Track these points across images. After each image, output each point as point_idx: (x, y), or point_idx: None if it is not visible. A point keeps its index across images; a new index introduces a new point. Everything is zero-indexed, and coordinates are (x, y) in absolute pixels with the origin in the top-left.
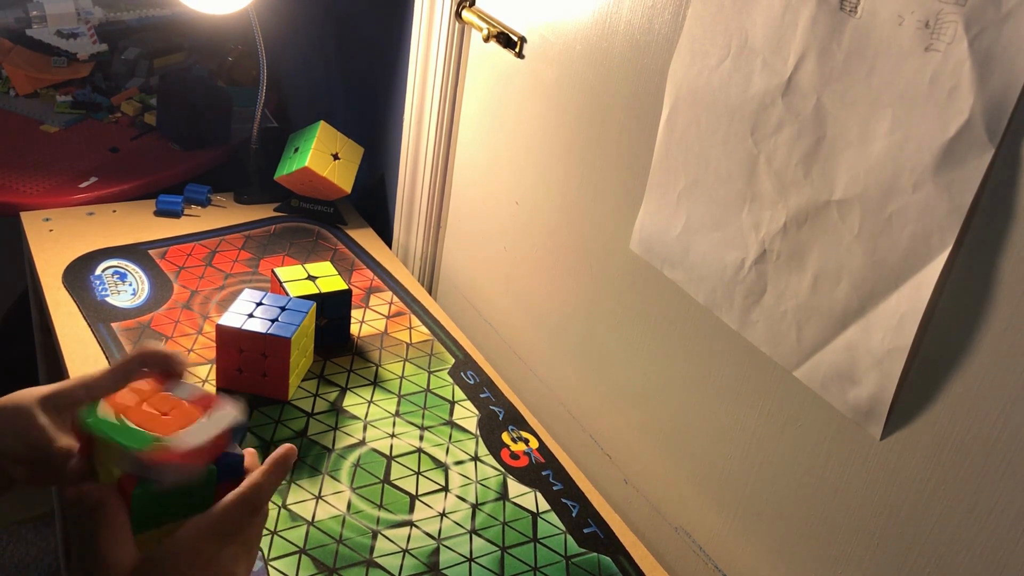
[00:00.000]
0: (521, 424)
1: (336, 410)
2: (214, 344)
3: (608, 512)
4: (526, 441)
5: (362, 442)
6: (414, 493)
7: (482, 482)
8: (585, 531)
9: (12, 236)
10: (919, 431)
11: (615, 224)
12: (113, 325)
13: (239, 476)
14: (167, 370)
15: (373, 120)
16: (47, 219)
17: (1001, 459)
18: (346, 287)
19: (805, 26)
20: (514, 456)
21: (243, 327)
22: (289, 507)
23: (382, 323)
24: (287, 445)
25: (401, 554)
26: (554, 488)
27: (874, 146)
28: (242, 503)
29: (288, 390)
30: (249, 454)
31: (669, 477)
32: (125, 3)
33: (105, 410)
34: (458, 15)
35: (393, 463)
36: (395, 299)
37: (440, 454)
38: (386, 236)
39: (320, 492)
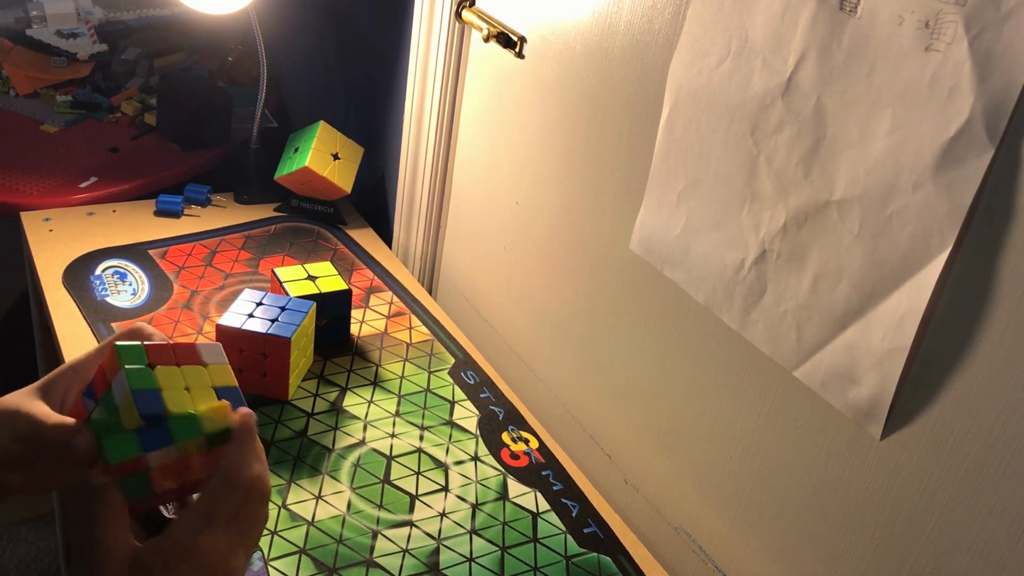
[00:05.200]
0: (521, 424)
1: (336, 410)
2: None
3: (608, 512)
4: (526, 441)
5: (362, 442)
6: (414, 493)
7: (482, 482)
8: (585, 531)
9: (12, 236)
10: (919, 431)
11: (615, 224)
12: (113, 325)
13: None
14: None
15: (373, 120)
16: (47, 219)
17: (1001, 459)
18: (346, 287)
19: (805, 26)
20: (514, 456)
21: (243, 327)
22: (289, 507)
23: (382, 323)
24: (242, 411)
25: (401, 554)
26: (554, 488)
27: (874, 146)
28: (223, 486)
29: (288, 390)
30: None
31: (669, 477)
32: (125, 3)
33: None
34: (458, 15)
35: (393, 463)
36: (395, 299)
37: (440, 454)
38: (386, 236)
39: (320, 492)
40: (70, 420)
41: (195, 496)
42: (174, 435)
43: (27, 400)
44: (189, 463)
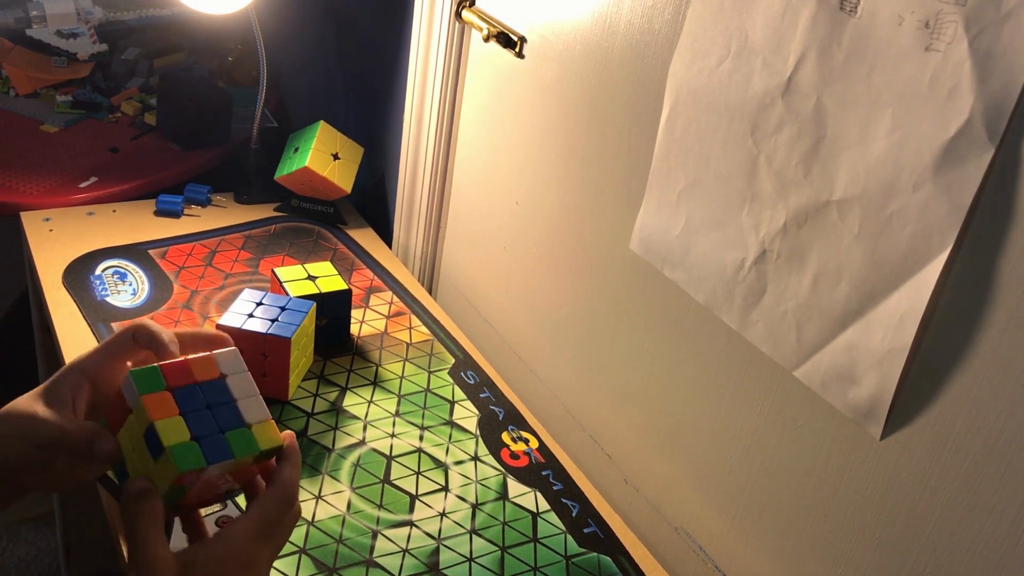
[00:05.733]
0: (521, 424)
1: (336, 410)
2: None
3: (608, 512)
4: (526, 441)
5: (362, 442)
6: (414, 493)
7: (482, 482)
8: (585, 531)
9: (12, 236)
10: (919, 431)
11: (615, 224)
12: (113, 325)
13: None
14: (156, 348)
15: (373, 120)
16: (47, 219)
17: (1001, 459)
18: (346, 287)
19: (805, 26)
20: (514, 456)
21: (243, 327)
22: None
23: (382, 323)
24: (287, 433)
25: (401, 554)
26: (554, 488)
27: (874, 146)
28: (281, 501)
29: (288, 390)
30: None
31: (669, 477)
32: (125, 3)
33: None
34: (458, 15)
35: (393, 463)
36: (395, 299)
37: (440, 454)
38: (386, 236)
39: (320, 492)
40: (88, 427)
41: (250, 506)
42: (234, 451)
43: (39, 406)
44: (226, 476)
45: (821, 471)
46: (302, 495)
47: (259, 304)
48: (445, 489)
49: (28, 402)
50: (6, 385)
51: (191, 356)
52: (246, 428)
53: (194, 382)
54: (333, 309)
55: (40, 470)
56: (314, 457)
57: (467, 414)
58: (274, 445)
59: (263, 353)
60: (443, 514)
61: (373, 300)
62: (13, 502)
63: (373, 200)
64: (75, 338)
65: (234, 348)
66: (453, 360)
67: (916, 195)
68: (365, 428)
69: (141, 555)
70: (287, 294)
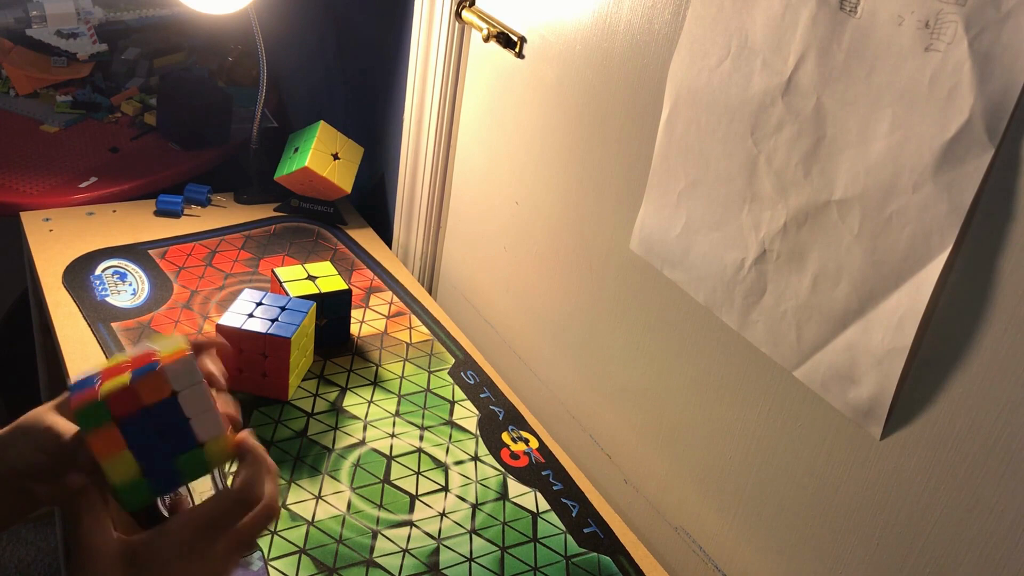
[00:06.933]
0: (521, 424)
1: (336, 410)
2: None
3: (608, 512)
4: (526, 441)
5: (362, 442)
6: (414, 493)
7: (482, 482)
8: (585, 531)
9: (12, 236)
10: (919, 431)
11: (615, 224)
12: (113, 325)
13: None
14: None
15: (373, 120)
16: (47, 219)
17: (1001, 459)
18: (346, 287)
19: (805, 26)
20: (514, 456)
21: (243, 327)
22: (289, 507)
23: (382, 323)
24: (240, 436)
25: (401, 554)
26: (554, 488)
27: (874, 146)
28: (236, 501)
29: (288, 390)
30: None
31: (669, 477)
32: (125, 3)
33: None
34: (458, 15)
35: (393, 463)
36: (395, 299)
37: (440, 454)
38: (386, 236)
39: (320, 492)
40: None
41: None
42: (184, 477)
43: (52, 416)
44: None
45: (821, 471)
46: (302, 495)
47: (259, 304)
48: (445, 489)
49: (43, 412)
50: (6, 385)
51: (140, 377)
52: (198, 448)
53: (143, 407)
54: (333, 309)
55: (49, 479)
56: (314, 457)
57: (467, 414)
58: (224, 460)
59: (263, 353)
60: (443, 514)
61: (373, 300)
62: (25, 514)
63: (373, 200)
64: (75, 338)
65: (188, 355)
66: (453, 360)
67: (916, 195)
68: (365, 428)
69: (82, 543)
70: (287, 294)
